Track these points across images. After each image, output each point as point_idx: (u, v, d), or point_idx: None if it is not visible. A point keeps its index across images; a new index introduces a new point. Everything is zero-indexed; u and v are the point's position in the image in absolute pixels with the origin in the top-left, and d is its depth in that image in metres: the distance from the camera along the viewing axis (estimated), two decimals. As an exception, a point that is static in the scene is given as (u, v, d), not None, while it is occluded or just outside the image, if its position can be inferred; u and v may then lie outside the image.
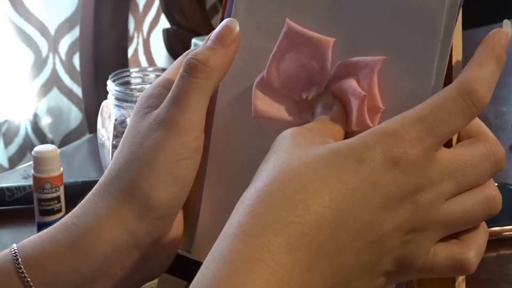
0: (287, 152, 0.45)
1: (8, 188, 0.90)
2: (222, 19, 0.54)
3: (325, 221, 0.42)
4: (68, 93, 1.47)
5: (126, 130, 0.54)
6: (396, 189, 0.44)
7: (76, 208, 0.52)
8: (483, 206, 0.46)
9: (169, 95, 0.52)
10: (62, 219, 0.52)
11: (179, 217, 0.54)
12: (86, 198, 0.53)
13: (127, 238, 0.51)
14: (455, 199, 0.46)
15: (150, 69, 1.00)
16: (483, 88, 0.45)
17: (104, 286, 0.51)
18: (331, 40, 0.50)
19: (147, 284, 0.55)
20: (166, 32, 1.40)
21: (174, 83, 0.52)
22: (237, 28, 0.53)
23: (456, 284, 0.50)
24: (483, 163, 0.46)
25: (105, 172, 0.53)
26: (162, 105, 0.52)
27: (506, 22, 0.48)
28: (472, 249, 0.46)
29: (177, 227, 0.54)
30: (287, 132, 0.46)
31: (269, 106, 0.52)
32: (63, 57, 1.44)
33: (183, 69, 0.52)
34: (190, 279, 0.56)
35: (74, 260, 0.50)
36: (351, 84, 0.49)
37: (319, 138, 0.46)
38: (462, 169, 0.45)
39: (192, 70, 0.52)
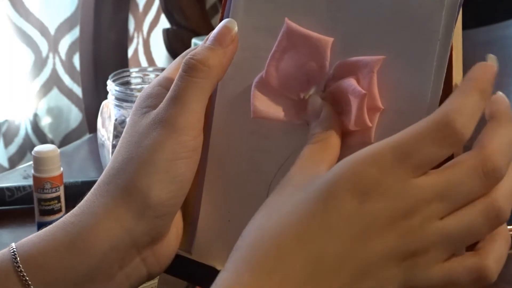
0: (267, 212, 0.46)
1: (8, 188, 0.90)
2: (221, 20, 0.54)
3: (298, 267, 0.43)
4: (68, 93, 1.47)
5: (125, 129, 0.54)
6: (373, 218, 0.44)
7: (75, 207, 0.52)
8: (483, 218, 0.45)
9: (168, 94, 0.52)
10: (61, 218, 0.52)
11: (178, 218, 0.54)
12: (85, 197, 0.53)
13: (125, 236, 0.51)
14: (452, 215, 0.45)
15: (150, 69, 1.00)
16: (462, 118, 0.44)
17: (102, 285, 0.51)
18: (330, 39, 0.50)
19: (147, 284, 0.55)
20: (166, 32, 1.40)
21: (173, 83, 0.52)
22: (236, 28, 0.53)
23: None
24: (471, 177, 0.45)
25: (104, 171, 0.53)
26: (161, 104, 0.52)
27: (491, 56, 0.47)
28: (489, 256, 0.46)
29: (175, 227, 0.54)
30: (277, 187, 0.47)
31: (268, 106, 0.52)
32: (63, 57, 1.44)
33: (182, 69, 0.52)
34: (190, 279, 0.56)
35: (72, 259, 0.50)
36: (351, 83, 0.49)
37: (308, 176, 0.46)
38: (450, 187, 0.44)
39: (191, 70, 0.52)
